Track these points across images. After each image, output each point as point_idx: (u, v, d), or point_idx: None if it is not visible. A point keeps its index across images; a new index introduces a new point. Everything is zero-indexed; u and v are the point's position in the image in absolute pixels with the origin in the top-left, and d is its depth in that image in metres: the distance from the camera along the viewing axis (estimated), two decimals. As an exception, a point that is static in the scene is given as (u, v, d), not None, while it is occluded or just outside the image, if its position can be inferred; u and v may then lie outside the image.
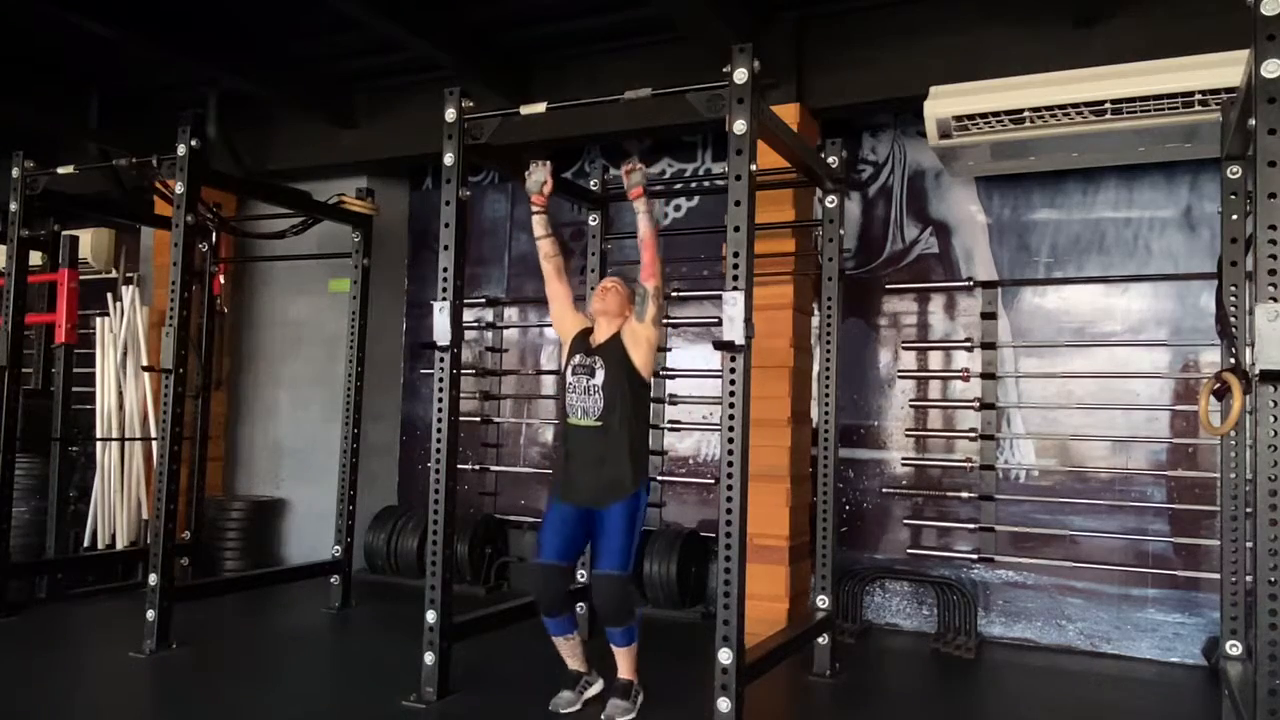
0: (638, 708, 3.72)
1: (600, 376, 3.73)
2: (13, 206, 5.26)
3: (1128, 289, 5.06)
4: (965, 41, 4.85)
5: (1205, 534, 4.72)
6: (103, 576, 6.06)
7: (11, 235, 5.26)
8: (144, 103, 6.81)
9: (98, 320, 6.47)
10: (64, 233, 6.20)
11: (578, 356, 3.83)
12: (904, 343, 5.52)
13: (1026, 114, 4.42)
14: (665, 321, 6.02)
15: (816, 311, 4.81)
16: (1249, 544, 3.04)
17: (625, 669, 3.77)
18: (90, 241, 7.04)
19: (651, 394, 3.97)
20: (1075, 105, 4.31)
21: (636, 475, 3.71)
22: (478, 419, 6.52)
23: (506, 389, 6.66)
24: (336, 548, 5.63)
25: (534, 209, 3.96)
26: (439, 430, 3.94)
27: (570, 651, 3.88)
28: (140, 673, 4.31)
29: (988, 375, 5.23)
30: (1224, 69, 3.90)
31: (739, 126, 3.36)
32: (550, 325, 6.30)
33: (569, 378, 3.82)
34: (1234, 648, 3.40)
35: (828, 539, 4.40)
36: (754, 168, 3.38)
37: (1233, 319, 3.38)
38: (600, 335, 3.84)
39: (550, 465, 6.32)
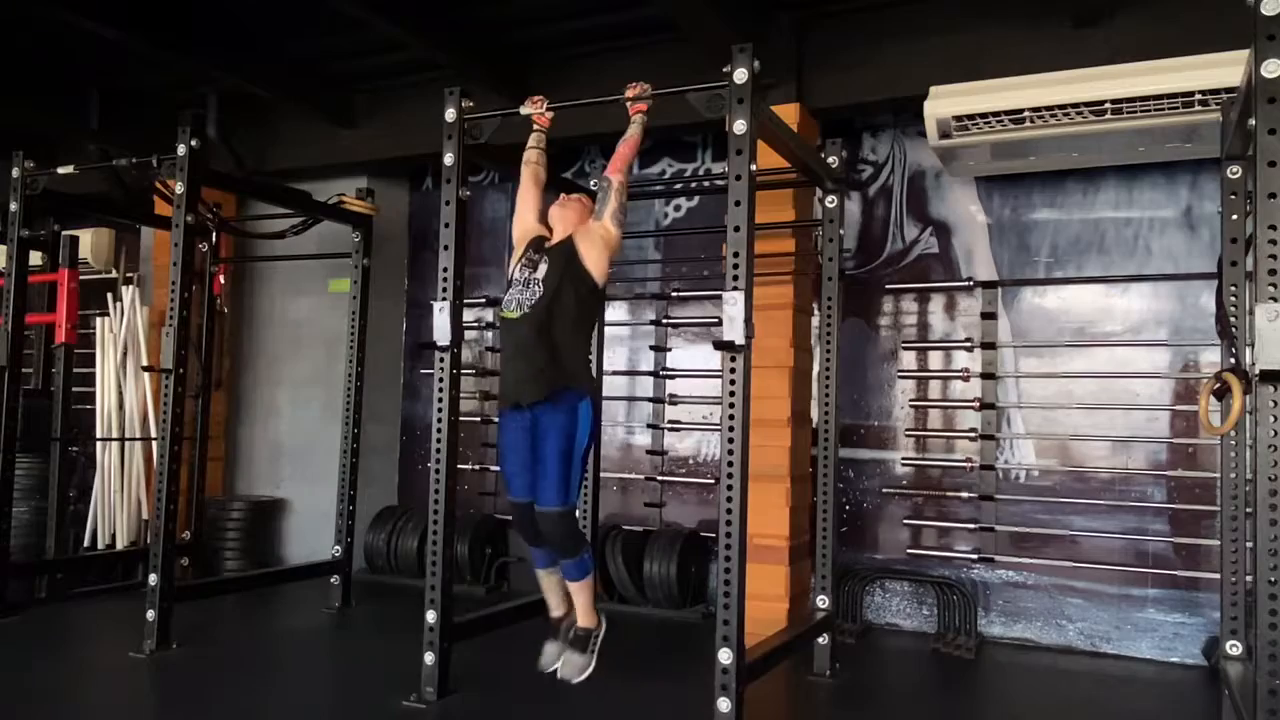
0: (595, 657, 3.57)
1: (542, 270, 3.52)
2: (13, 206, 5.27)
3: (1128, 289, 5.06)
4: (965, 41, 4.85)
5: (1205, 534, 4.72)
6: (103, 576, 6.06)
7: (11, 235, 5.27)
8: (144, 103, 6.80)
9: (98, 320, 6.48)
10: (64, 233, 6.20)
11: (527, 253, 3.63)
12: (904, 343, 5.51)
13: (1026, 114, 4.42)
14: (665, 321, 6.03)
15: (816, 311, 4.81)
16: (1249, 544, 3.04)
17: (582, 612, 3.61)
18: (90, 241, 7.04)
19: (603, 304, 3.72)
20: (1075, 105, 4.32)
21: (573, 375, 3.45)
22: (478, 419, 6.52)
23: (506, 389, 6.66)
24: (336, 548, 5.63)
25: (536, 127, 3.90)
26: (439, 430, 3.94)
27: (552, 588, 3.71)
28: (140, 673, 4.31)
29: (988, 375, 5.23)
30: (1224, 69, 3.90)
31: (739, 126, 3.36)
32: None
33: (514, 273, 3.61)
34: (1234, 648, 3.40)
35: (828, 539, 4.40)
36: (754, 168, 3.38)
37: (1233, 319, 3.38)
38: (554, 239, 3.65)
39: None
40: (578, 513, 3.68)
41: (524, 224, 3.78)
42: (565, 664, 3.57)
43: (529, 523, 3.56)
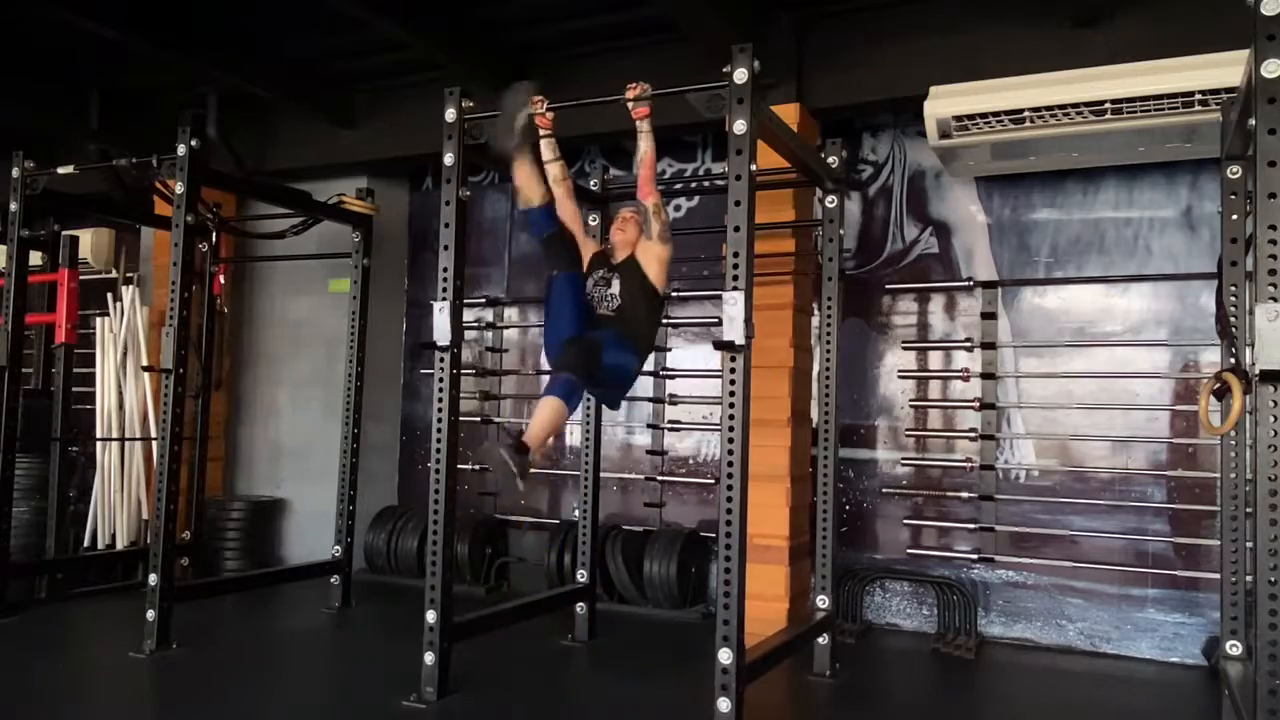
0: (526, 467, 3.49)
1: (616, 286, 3.92)
2: (13, 206, 5.27)
3: (1128, 289, 5.06)
4: (965, 41, 4.85)
5: (1205, 534, 4.72)
6: (103, 576, 6.07)
7: (11, 235, 5.27)
8: (144, 103, 6.80)
9: (98, 320, 6.47)
10: (64, 233, 6.19)
11: (599, 271, 3.99)
12: (904, 343, 5.51)
13: (1026, 114, 4.42)
14: (665, 321, 6.02)
15: (816, 311, 4.81)
16: (1249, 544, 3.04)
17: (533, 429, 3.59)
18: (90, 241, 7.04)
19: (664, 310, 4.18)
20: (1075, 105, 4.32)
21: (643, 335, 3.91)
22: (478, 419, 6.52)
23: (506, 389, 6.67)
24: (336, 548, 5.63)
25: (542, 132, 3.94)
26: (439, 430, 3.94)
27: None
28: (140, 673, 4.31)
29: (988, 375, 5.23)
30: (1224, 69, 3.90)
31: (739, 126, 3.36)
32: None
33: (589, 287, 3.97)
34: (1234, 648, 3.40)
35: (828, 539, 4.40)
36: (754, 168, 3.38)
37: (1233, 319, 3.38)
38: (618, 256, 4.02)
39: (549, 464, 6.33)
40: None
41: (580, 234, 4.14)
42: (502, 446, 3.50)
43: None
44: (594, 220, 5.16)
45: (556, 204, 4.00)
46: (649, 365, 6.01)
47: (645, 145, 3.75)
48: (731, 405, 3.34)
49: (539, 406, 3.66)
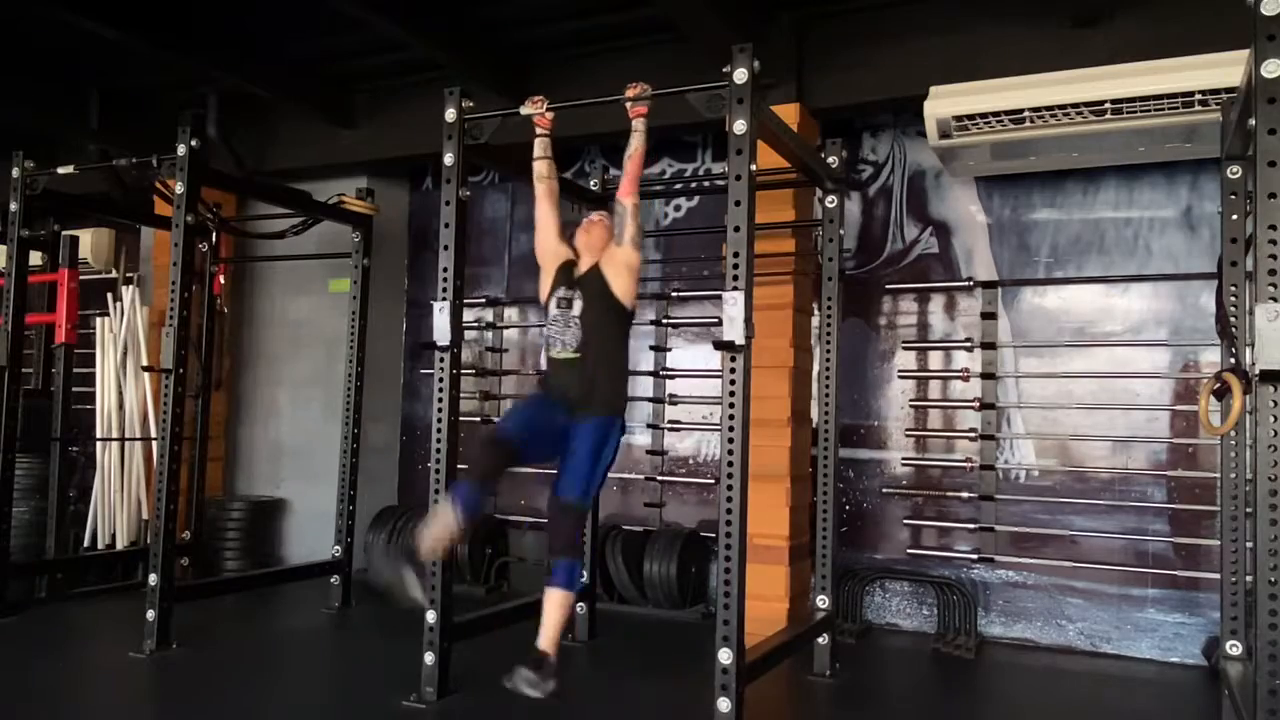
0: (550, 683, 3.31)
1: (578, 308, 3.67)
2: (13, 206, 5.26)
3: (1128, 289, 5.06)
4: (965, 41, 4.85)
5: (1205, 534, 4.72)
6: (103, 576, 6.06)
7: (11, 235, 5.26)
8: (144, 103, 6.80)
9: (98, 320, 6.47)
10: (64, 233, 6.20)
11: (560, 289, 3.75)
12: (904, 343, 5.51)
13: (1026, 114, 4.42)
14: (665, 321, 6.03)
15: (816, 311, 4.81)
16: (1249, 544, 3.04)
17: (548, 632, 3.46)
18: (90, 241, 7.04)
19: (634, 322, 3.85)
20: (1075, 105, 4.32)
21: (614, 398, 3.65)
22: (478, 419, 6.52)
23: (506, 389, 6.66)
24: (336, 548, 5.63)
25: (538, 131, 3.90)
26: (439, 430, 3.94)
27: (443, 519, 3.37)
28: (140, 673, 4.31)
29: (988, 375, 5.23)
30: (1224, 69, 3.90)
31: (739, 126, 3.36)
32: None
33: (551, 310, 3.75)
34: (1234, 648, 3.40)
35: (828, 539, 4.40)
36: (754, 168, 3.38)
37: (1233, 319, 3.38)
38: (582, 267, 3.77)
39: (550, 464, 6.31)
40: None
41: (547, 245, 3.88)
42: (519, 678, 3.29)
43: (493, 455, 3.52)
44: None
45: (536, 204, 3.88)
46: (648, 365, 6.05)
47: (636, 143, 3.71)
48: (731, 405, 3.34)
49: (546, 602, 3.53)
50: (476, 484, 3.54)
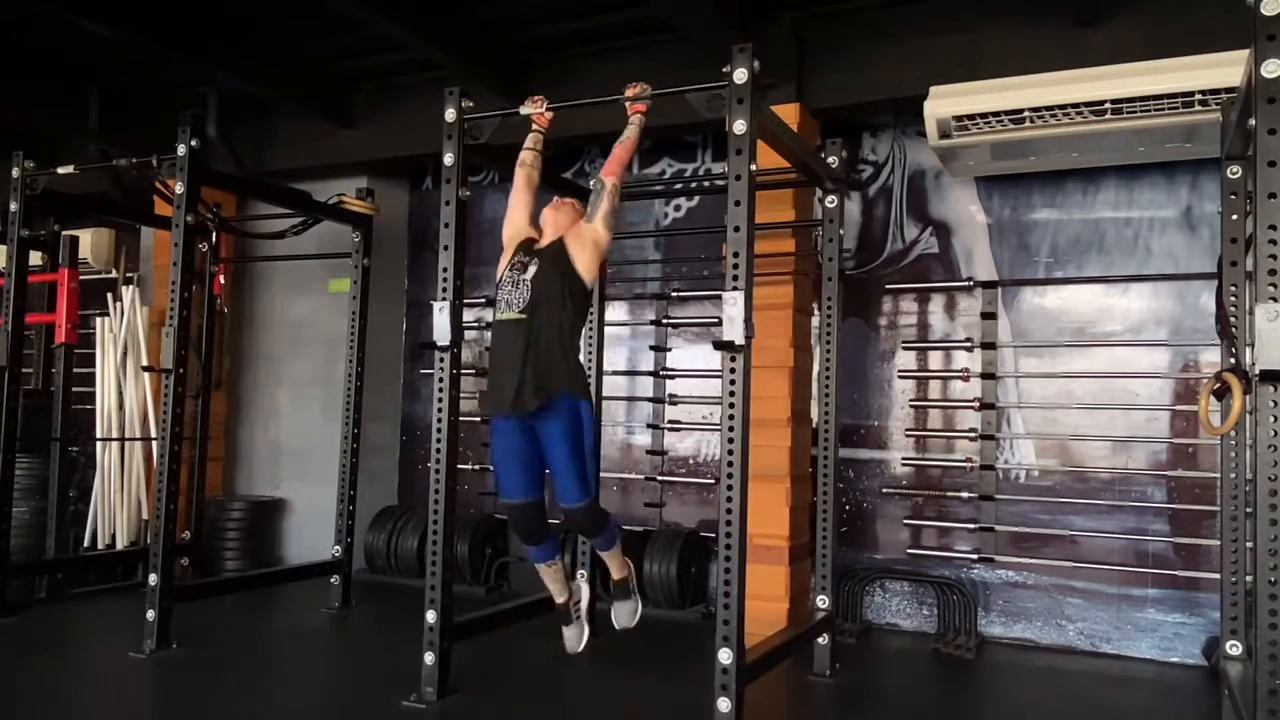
0: (638, 597, 3.99)
1: (531, 271, 3.52)
2: (13, 206, 5.26)
3: (1128, 289, 5.06)
4: (965, 41, 4.85)
5: (1205, 534, 4.72)
6: (103, 576, 6.06)
7: (11, 235, 5.26)
8: (144, 103, 6.80)
9: (98, 320, 6.48)
10: (64, 233, 6.20)
11: (516, 256, 3.63)
12: (904, 343, 5.51)
13: (1026, 114, 4.42)
14: (665, 321, 6.03)
15: (816, 311, 4.81)
16: (1249, 544, 3.04)
17: (615, 568, 3.92)
18: (90, 241, 7.04)
19: (592, 304, 3.80)
20: (1075, 105, 4.31)
21: (570, 379, 3.47)
22: (478, 419, 6.51)
23: (506, 389, 6.65)
24: (336, 548, 5.63)
25: (534, 128, 3.89)
26: (439, 430, 3.94)
27: (554, 579, 3.82)
28: (140, 673, 4.31)
29: (988, 375, 5.23)
30: (1224, 69, 3.90)
31: (739, 126, 3.36)
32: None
33: (504, 275, 3.61)
34: (1234, 648, 3.40)
35: (828, 539, 4.40)
36: (754, 168, 3.38)
37: (1233, 319, 3.38)
38: (544, 242, 3.68)
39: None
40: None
41: (514, 225, 3.78)
42: (618, 613, 3.93)
43: (528, 520, 3.65)
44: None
45: (513, 189, 3.80)
46: (648, 365, 6.05)
47: (631, 132, 3.71)
48: (731, 405, 3.34)
49: (605, 559, 3.94)
50: (537, 543, 3.76)
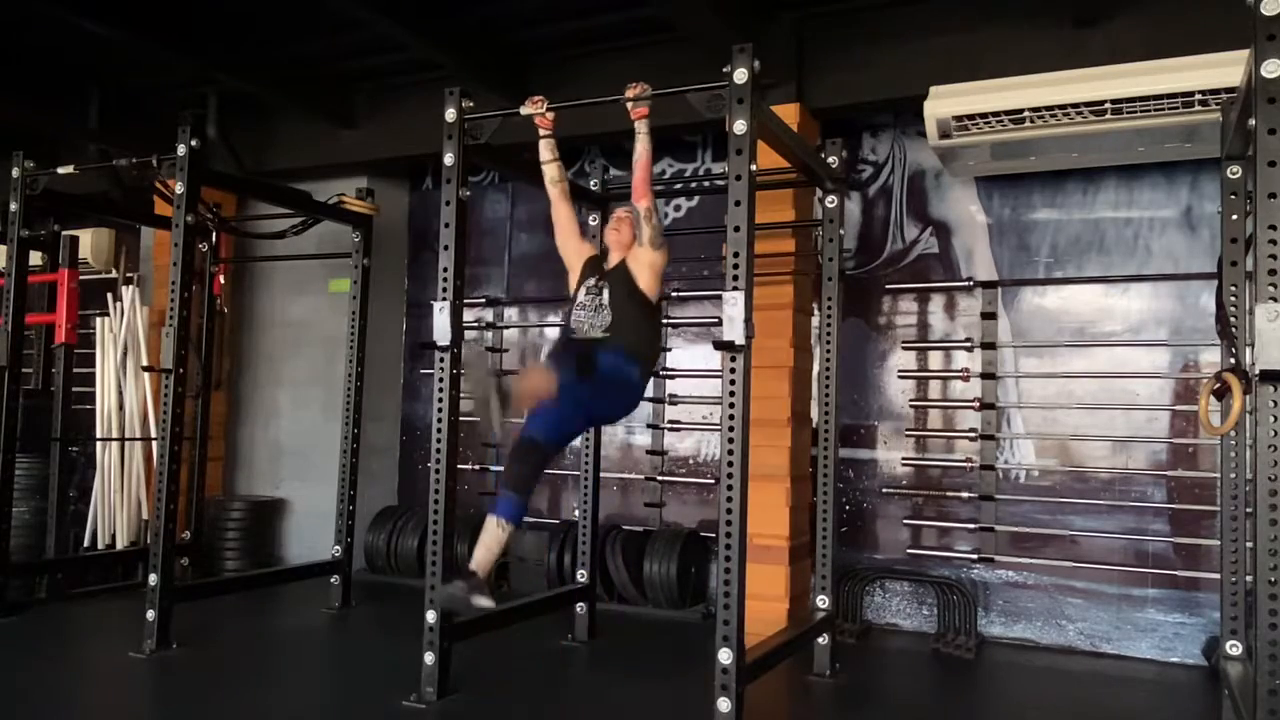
0: (480, 593, 3.49)
1: (607, 296, 3.81)
2: (13, 206, 5.26)
3: (1128, 289, 5.06)
4: (965, 41, 4.85)
5: (1205, 534, 4.72)
6: (103, 576, 6.06)
7: (11, 235, 5.26)
8: (144, 103, 6.80)
9: (98, 320, 6.47)
10: (64, 233, 6.19)
11: (590, 280, 3.89)
12: (904, 343, 5.51)
13: (1026, 114, 4.42)
14: (665, 321, 6.02)
15: (816, 311, 4.81)
16: (1249, 544, 3.04)
17: (479, 554, 3.54)
18: (90, 241, 7.03)
19: (661, 316, 4.07)
20: (1075, 105, 4.31)
21: (641, 344, 3.77)
22: (478, 419, 6.52)
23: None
24: (336, 548, 5.63)
25: (541, 132, 3.94)
26: (439, 430, 3.94)
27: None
28: (140, 673, 4.31)
29: (988, 375, 5.23)
30: (1224, 69, 3.90)
31: (739, 126, 3.36)
32: (549, 326, 6.35)
33: (580, 297, 3.87)
34: (1234, 648, 3.40)
35: (828, 539, 4.40)
36: (754, 168, 3.38)
37: (1233, 319, 3.38)
38: (611, 262, 3.94)
39: (552, 465, 6.32)
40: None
41: (573, 243, 4.05)
42: (454, 585, 3.53)
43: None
44: (594, 220, 5.16)
45: (552, 206, 4.00)
46: (649, 365, 6.05)
47: (641, 147, 3.75)
48: (731, 405, 3.34)
49: (484, 529, 3.54)
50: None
